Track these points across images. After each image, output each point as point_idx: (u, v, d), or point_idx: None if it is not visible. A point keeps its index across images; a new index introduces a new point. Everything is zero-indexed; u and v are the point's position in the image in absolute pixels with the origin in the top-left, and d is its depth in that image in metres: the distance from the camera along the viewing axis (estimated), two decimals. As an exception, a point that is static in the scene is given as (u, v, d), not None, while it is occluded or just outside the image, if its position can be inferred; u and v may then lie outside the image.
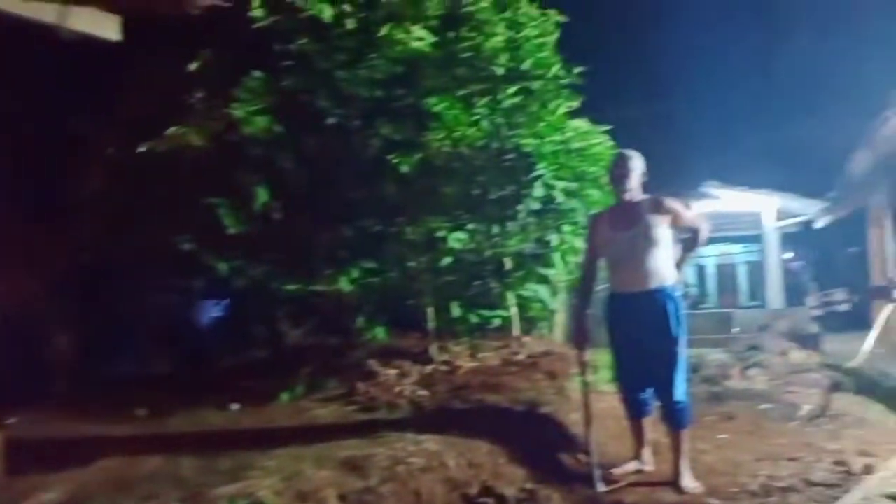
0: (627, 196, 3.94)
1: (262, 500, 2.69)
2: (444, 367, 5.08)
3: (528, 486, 3.63)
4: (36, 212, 5.20)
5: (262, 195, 4.76)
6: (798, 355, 7.71)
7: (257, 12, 4.76)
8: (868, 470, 3.94)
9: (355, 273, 5.13)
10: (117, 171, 4.84)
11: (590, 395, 4.07)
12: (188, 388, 4.82)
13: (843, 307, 16.38)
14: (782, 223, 16.86)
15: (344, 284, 5.04)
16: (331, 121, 5.09)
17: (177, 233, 4.67)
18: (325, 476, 2.99)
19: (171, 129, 4.52)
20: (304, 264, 5.11)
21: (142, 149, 4.50)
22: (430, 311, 5.31)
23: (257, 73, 4.80)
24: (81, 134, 5.22)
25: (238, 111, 4.55)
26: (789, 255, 19.40)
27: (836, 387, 4.74)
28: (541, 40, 5.63)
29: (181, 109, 4.67)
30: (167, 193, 4.77)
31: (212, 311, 6.41)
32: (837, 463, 4.15)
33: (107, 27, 3.39)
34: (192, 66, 4.78)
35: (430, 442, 3.56)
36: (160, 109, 4.74)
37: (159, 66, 5.10)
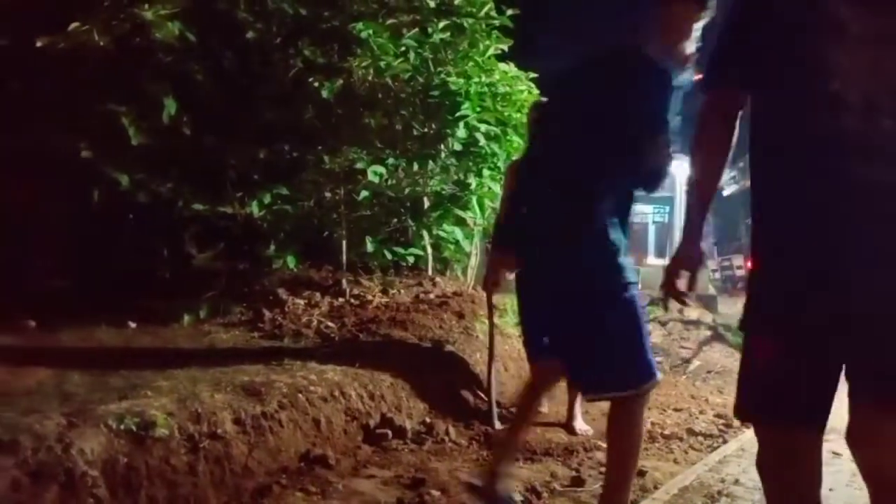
0: None
1: (152, 419, 2.59)
2: (354, 301, 5.04)
3: (428, 419, 3.70)
4: None
5: (170, 106, 4.49)
6: (693, 313, 8.10)
7: None
8: (747, 424, 4.21)
9: (267, 198, 4.97)
10: (9, 65, 4.43)
11: (494, 337, 4.16)
12: (84, 303, 4.59)
13: (740, 272, 17.48)
14: (693, 188, 17.52)
15: (255, 208, 4.88)
16: (250, 35, 4.83)
17: (75, 139, 4.36)
18: (221, 399, 2.92)
19: (73, 26, 4.17)
20: (214, 184, 4.90)
21: (40, 44, 4.13)
22: (344, 244, 5.23)
23: (172, -25, 4.48)
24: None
25: (148, 13, 4.23)
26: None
27: (708, 341, 5.03)
28: (474, -23, 5.51)
29: (84, 5, 4.30)
30: (65, 95, 4.42)
31: (113, 225, 6.06)
32: (719, 416, 4.41)
33: None
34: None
35: (333, 372, 3.53)
36: (61, 3, 4.34)
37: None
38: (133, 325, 4.40)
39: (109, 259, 5.12)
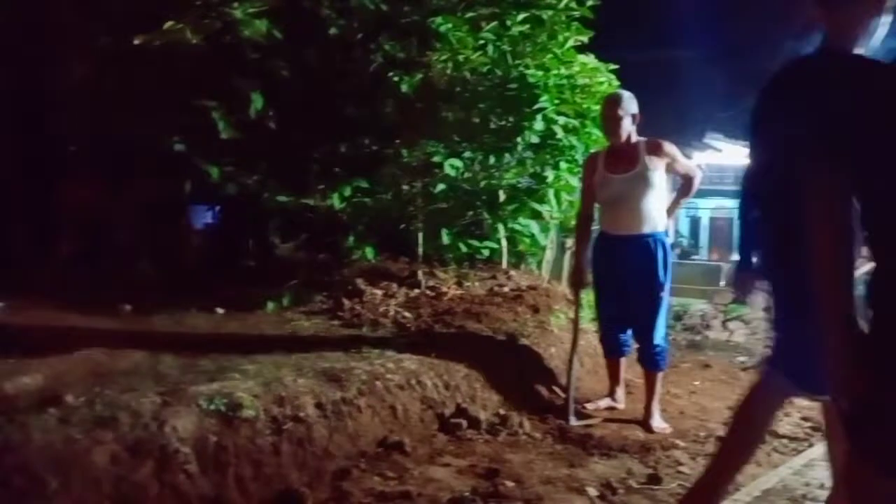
0: (615, 138, 3.88)
1: (239, 401, 2.72)
2: (429, 292, 5.11)
3: (502, 411, 3.71)
4: (10, 97, 4.94)
5: (257, 102, 4.67)
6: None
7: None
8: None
9: (348, 191, 5.09)
10: (108, 63, 4.69)
11: (577, 332, 4.11)
12: (175, 290, 4.83)
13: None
14: (780, 182, 16.75)
15: (336, 201, 5.01)
16: (333, 31, 4.96)
17: (168, 132, 4.59)
18: (303, 384, 3.03)
19: (168, 24, 4.38)
20: (297, 177, 5.07)
21: (137, 41, 4.36)
22: (421, 236, 5.30)
23: (259, -25, 4.65)
24: (66, 22, 4.97)
25: (237, 12, 4.40)
26: (782, 214, 19.38)
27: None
28: (554, -32, 5.45)
29: (178, 5, 4.52)
30: (160, 91, 4.65)
31: (203, 216, 6.37)
32: (805, 419, 4.24)
33: None
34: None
35: (410, 361, 3.59)
36: (156, 3, 4.57)
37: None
38: (221, 311, 4.59)
39: (199, 248, 5.35)
